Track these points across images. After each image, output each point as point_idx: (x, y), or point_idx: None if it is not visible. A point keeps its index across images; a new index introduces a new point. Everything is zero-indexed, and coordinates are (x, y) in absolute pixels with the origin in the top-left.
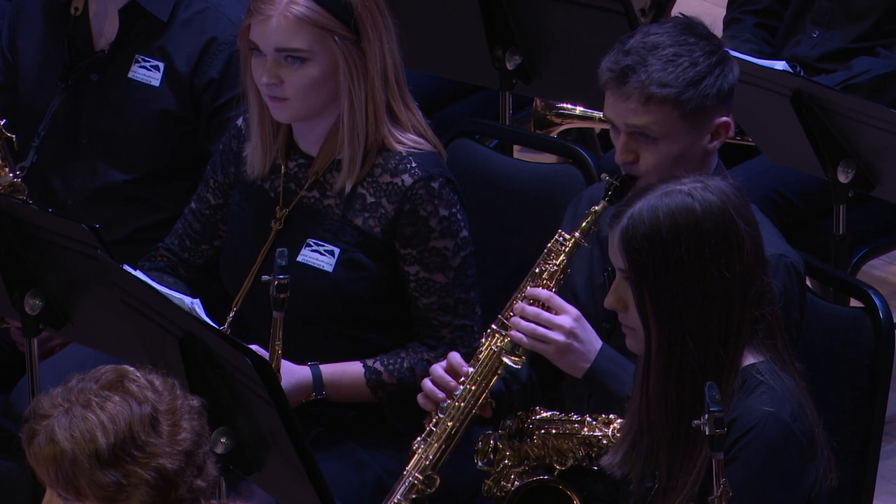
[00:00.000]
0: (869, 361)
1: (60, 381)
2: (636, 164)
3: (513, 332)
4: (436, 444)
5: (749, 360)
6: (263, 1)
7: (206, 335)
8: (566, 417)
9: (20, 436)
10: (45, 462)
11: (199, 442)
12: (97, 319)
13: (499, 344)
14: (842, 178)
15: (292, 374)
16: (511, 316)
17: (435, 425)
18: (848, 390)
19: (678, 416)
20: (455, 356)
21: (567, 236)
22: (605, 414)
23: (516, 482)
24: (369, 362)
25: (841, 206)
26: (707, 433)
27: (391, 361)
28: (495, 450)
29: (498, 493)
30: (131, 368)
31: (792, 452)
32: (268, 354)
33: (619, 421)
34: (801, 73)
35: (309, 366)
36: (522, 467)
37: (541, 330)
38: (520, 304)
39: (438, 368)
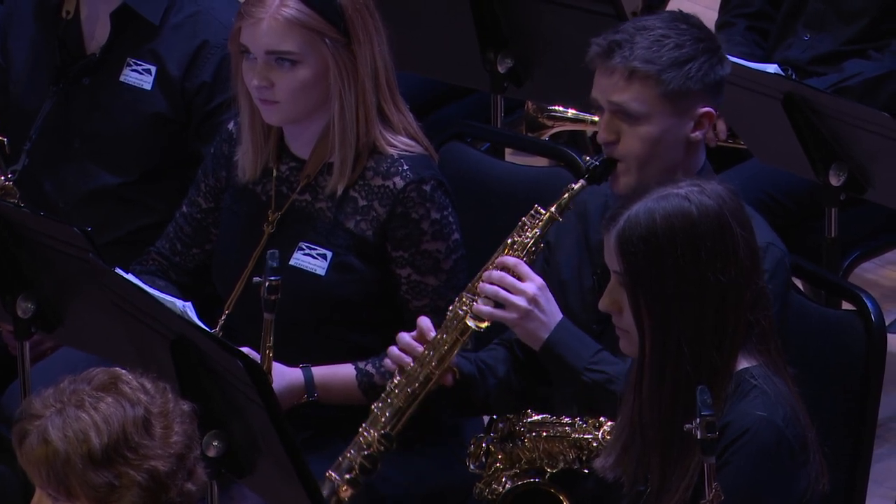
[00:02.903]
0: (860, 365)
1: (52, 384)
2: (616, 145)
3: (475, 305)
4: (393, 405)
5: (742, 364)
6: (254, 4)
7: (197, 338)
8: (557, 420)
9: (11, 437)
10: (36, 462)
11: (190, 446)
12: (89, 322)
13: (465, 308)
14: (833, 181)
15: (284, 376)
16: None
17: (395, 386)
18: (840, 393)
19: (671, 419)
20: (425, 321)
21: (542, 211)
22: (596, 417)
23: (507, 485)
24: (361, 365)
25: (833, 209)
26: (698, 437)
27: (383, 364)
28: (487, 453)
29: (489, 496)
30: (123, 371)
31: (784, 457)
32: (259, 357)
33: (609, 424)
34: (793, 76)
35: (300, 368)
36: (514, 470)
37: (503, 293)
38: (488, 271)
39: (405, 336)
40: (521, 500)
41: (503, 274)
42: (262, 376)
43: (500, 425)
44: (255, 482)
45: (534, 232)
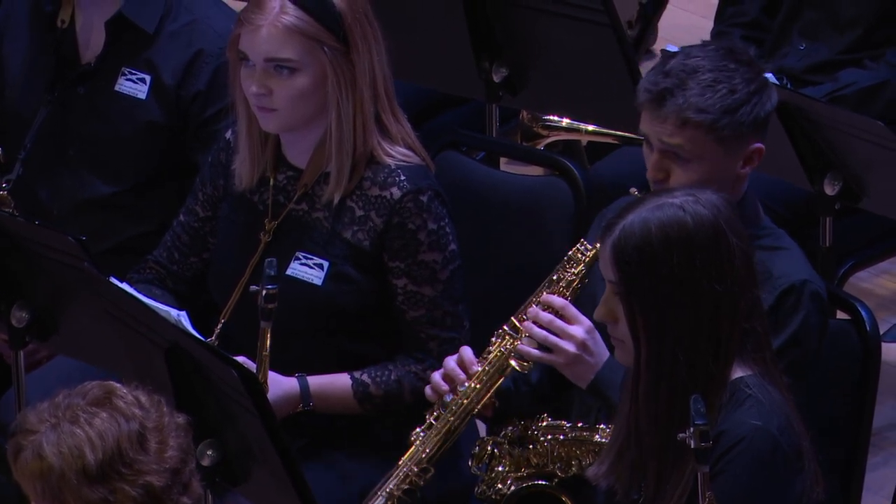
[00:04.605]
0: (856, 374)
1: (47, 393)
2: (666, 182)
3: (519, 345)
4: (434, 438)
5: (737, 373)
6: (253, 11)
7: (191, 347)
8: (574, 425)
9: (6, 449)
10: (31, 477)
11: (185, 459)
12: (83, 331)
13: (509, 346)
14: (828, 191)
15: (279, 385)
16: (524, 319)
17: (436, 419)
18: (834, 402)
19: (667, 427)
20: (467, 351)
21: (589, 246)
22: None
23: (512, 486)
24: (357, 374)
25: (828, 218)
26: (692, 446)
27: (378, 374)
28: (492, 456)
29: (492, 496)
30: (118, 385)
31: (779, 466)
32: (255, 366)
33: None
34: (788, 85)
35: (296, 377)
36: (519, 473)
37: (552, 338)
38: (534, 309)
39: (451, 362)
40: (525, 502)
41: (552, 317)
42: (256, 385)
43: (510, 429)
44: (250, 491)
45: (579, 269)
